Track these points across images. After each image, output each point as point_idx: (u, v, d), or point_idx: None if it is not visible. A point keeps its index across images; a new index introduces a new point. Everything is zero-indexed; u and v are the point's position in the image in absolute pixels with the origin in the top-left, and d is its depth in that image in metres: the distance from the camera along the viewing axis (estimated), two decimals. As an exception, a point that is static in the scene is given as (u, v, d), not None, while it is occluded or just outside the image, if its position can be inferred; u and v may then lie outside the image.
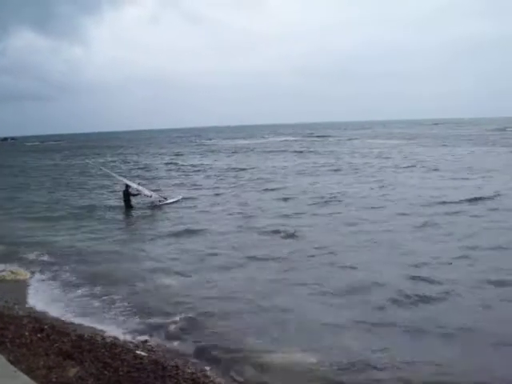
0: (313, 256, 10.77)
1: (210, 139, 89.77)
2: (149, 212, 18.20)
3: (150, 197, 18.64)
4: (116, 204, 19.33)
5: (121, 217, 17.61)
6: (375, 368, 5.95)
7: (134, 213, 18.05)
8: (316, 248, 11.36)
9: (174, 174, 31.21)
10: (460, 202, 16.08)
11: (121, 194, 18.84)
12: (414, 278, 8.98)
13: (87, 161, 29.64)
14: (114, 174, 21.53)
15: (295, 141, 69.85)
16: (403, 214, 14.65)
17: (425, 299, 7.96)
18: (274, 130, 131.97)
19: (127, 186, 18.44)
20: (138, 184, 19.61)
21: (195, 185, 24.76)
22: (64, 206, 19.75)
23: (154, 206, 18.53)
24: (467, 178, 21.94)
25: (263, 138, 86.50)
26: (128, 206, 18.26)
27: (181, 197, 19.99)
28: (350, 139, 66.74)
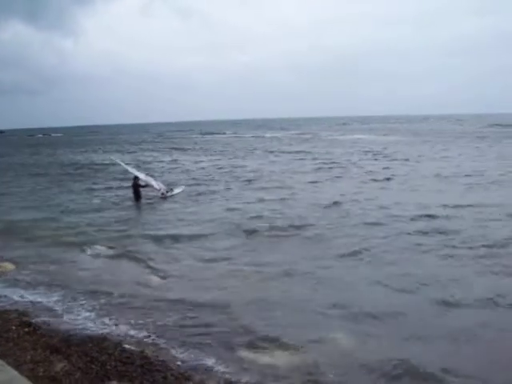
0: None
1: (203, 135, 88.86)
2: (156, 202, 18.58)
3: (159, 189, 18.93)
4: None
5: (131, 208, 17.85)
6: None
7: (143, 203, 18.38)
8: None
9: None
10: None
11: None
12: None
13: (111, 157, 29.43)
14: (123, 165, 21.56)
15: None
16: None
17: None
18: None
19: (136, 178, 18.68)
20: (146, 175, 19.79)
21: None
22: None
23: (162, 196, 18.84)
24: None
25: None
26: (137, 196, 18.48)
27: (183, 187, 20.54)
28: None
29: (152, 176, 20.82)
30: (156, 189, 18.94)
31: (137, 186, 18.49)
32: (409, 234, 11.91)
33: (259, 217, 14.45)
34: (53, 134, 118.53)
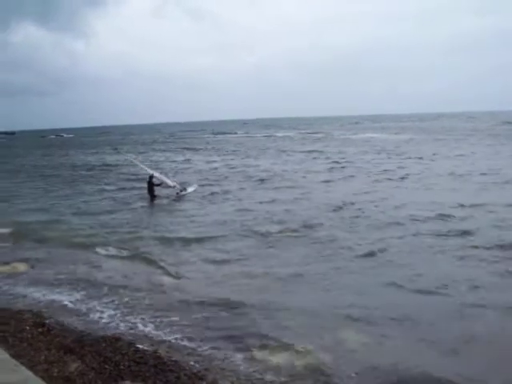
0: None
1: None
2: (170, 201, 18.95)
3: (174, 187, 19.31)
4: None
5: (144, 208, 18.09)
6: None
7: (157, 203, 18.71)
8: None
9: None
10: None
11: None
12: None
13: (127, 156, 29.79)
14: (140, 164, 22.18)
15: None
16: None
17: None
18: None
19: (151, 177, 19.07)
20: (160, 173, 20.19)
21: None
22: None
23: (177, 196, 19.20)
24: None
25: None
26: (152, 195, 18.88)
27: (196, 186, 20.89)
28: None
29: (166, 174, 21.06)
30: (171, 186, 19.27)
31: (152, 185, 18.83)
32: (424, 234, 11.72)
33: (271, 217, 14.39)
34: (65, 135, 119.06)
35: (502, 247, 10.33)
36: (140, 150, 50.67)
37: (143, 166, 21.14)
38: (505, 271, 8.90)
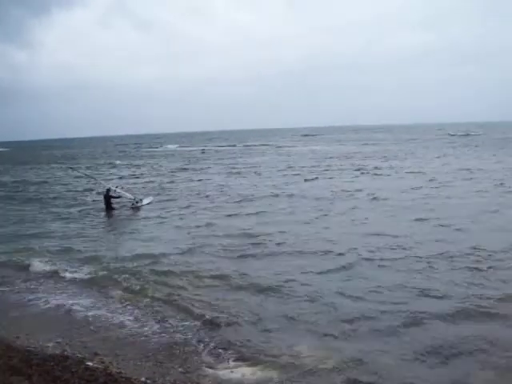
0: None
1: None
2: (129, 213, 19.46)
3: (133, 199, 19.82)
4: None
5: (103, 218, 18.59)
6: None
7: (116, 213, 19.36)
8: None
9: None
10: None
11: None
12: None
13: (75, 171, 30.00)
14: (97, 178, 23.55)
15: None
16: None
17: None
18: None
19: (108, 190, 19.56)
20: (116, 187, 20.53)
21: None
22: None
23: (133, 207, 19.63)
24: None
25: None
26: (109, 207, 19.29)
27: (152, 198, 21.42)
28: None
29: (121, 187, 21.21)
30: (131, 198, 19.76)
31: (109, 198, 19.26)
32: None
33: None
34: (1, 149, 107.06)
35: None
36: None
37: (100, 181, 22.14)
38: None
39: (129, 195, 19.96)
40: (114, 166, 45.14)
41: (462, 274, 9.61)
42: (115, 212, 19.49)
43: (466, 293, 8.60)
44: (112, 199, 19.41)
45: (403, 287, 9.05)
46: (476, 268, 9.88)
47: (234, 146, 79.08)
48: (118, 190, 20.08)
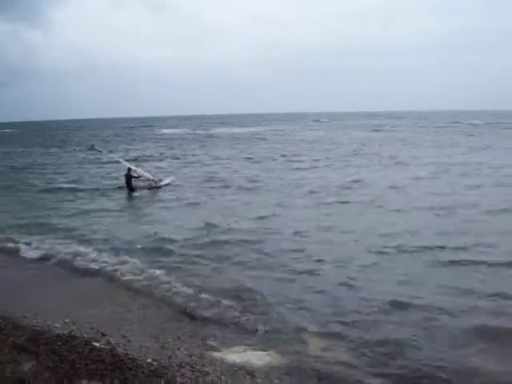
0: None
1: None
2: (149, 193, 19.80)
3: (153, 180, 20.09)
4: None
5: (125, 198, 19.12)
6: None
7: (137, 194, 19.58)
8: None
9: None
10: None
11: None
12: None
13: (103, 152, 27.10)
14: (118, 158, 23.35)
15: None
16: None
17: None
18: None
19: (129, 169, 19.82)
20: (137, 167, 20.89)
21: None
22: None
23: (153, 188, 19.96)
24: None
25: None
26: (130, 188, 19.57)
27: (173, 178, 21.66)
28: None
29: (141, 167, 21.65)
30: (150, 179, 20.05)
31: (130, 177, 19.53)
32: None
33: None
34: (7, 130, 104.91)
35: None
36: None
37: (119, 160, 22.33)
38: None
39: (148, 175, 20.30)
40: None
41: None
42: (135, 193, 19.65)
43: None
44: (133, 179, 19.77)
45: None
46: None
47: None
48: (139, 169, 20.42)
